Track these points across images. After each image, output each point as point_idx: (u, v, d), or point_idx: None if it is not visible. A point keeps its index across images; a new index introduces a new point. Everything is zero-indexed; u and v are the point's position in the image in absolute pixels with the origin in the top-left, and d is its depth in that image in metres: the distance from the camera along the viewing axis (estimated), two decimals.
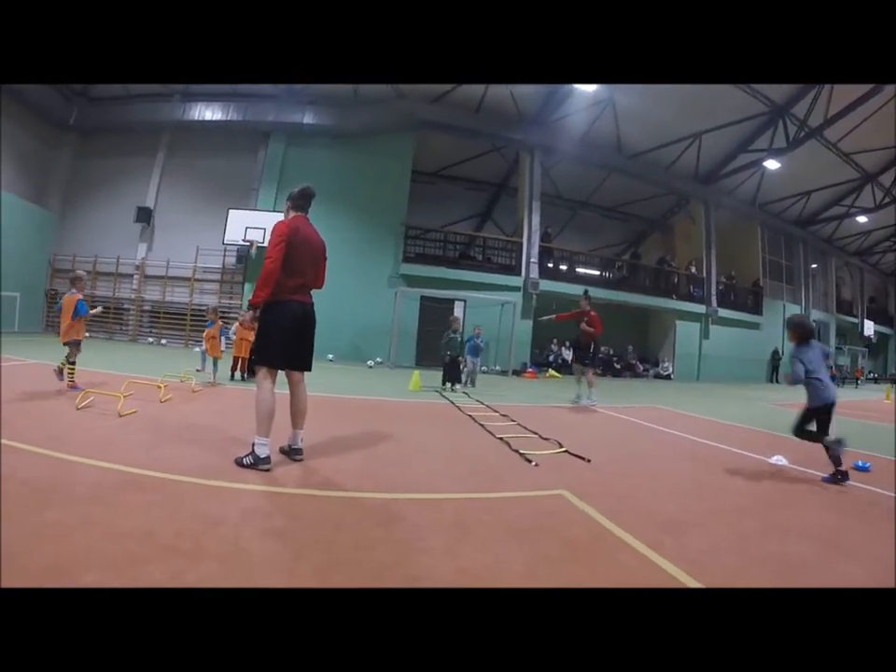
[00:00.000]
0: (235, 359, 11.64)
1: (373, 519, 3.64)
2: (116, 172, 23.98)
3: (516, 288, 22.97)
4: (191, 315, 22.28)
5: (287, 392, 5.14)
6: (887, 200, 28.47)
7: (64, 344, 8.40)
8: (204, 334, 11.17)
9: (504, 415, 8.89)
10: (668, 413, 11.28)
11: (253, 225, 20.60)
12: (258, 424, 4.76)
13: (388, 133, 22.67)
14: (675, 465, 6.32)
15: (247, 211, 21.69)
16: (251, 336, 10.80)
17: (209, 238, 22.24)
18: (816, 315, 34.29)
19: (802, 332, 6.17)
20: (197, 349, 11.25)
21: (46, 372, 8.82)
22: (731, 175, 26.45)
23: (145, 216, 23.12)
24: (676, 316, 26.98)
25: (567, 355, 24.10)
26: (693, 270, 28.28)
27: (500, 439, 6.84)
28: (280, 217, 5.31)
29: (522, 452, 6.05)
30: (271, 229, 5.04)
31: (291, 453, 5.13)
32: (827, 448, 5.80)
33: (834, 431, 6.00)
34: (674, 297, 27.30)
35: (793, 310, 32.31)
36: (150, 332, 23.19)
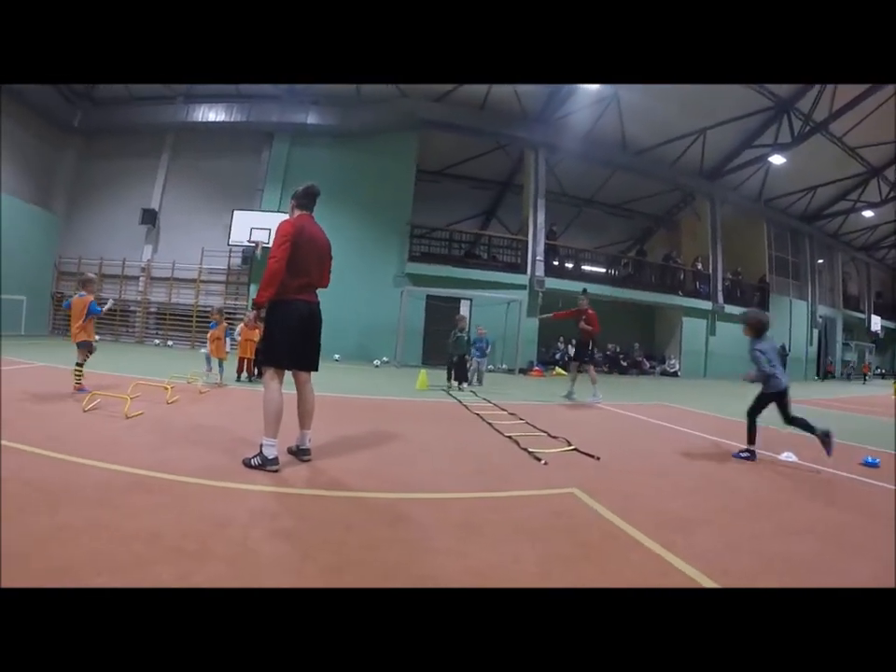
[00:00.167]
0: (241, 360, 11.58)
1: (382, 519, 3.62)
2: (120, 174, 24.05)
3: (522, 286, 22.93)
4: (197, 317, 22.31)
5: (295, 392, 5.12)
6: (893, 194, 28.35)
7: (77, 345, 8.39)
8: (208, 335, 11.12)
9: (512, 414, 8.86)
10: (676, 411, 11.25)
11: (258, 226, 20.63)
12: (265, 425, 4.74)
13: (392, 132, 22.66)
14: (684, 462, 6.28)
15: (252, 212, 21.73)
16: (255, 336, 10.79)
17: (214, 239, 22.30)
18: (823, 310, 34.29)
19: (758, 327, 6.72)
20: (203, 350, 11.19)
21: (53, 375, 8.83)
22: (736, 170, 26.35)
23: (150, 217, 23.19)
24: (682, 313, 26.93)
25: (572, 352, 24.09)
26: (700, 266, 28.21)
27: (509, 437, 6.81)
28: (285, 217, 5.29)
29: (531, 450, 6.03)
30: (275, 228, 5.01)
31: (299, 453, 5.10)
32: (807, 429, 6.33)
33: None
34: (680, 293, 27.23)
35: (800, 306, 32.40)
36: (156, 334, 23.23)
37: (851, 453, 7.08)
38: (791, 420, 6.40)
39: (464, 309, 20.88)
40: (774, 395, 6.48)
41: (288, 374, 5.07)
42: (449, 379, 13.19)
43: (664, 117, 22.67)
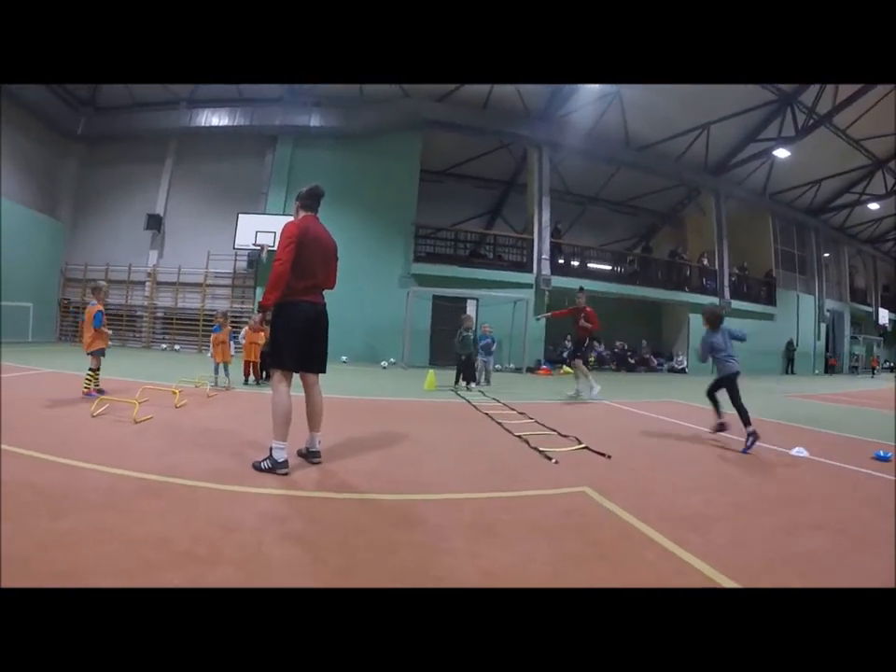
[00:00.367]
0: (246, 364, 11.53)
1: (394, 521, 3.61)
2: (125, 180, 24.11)
3: (528, 285, 22.88)
4: (204, 321, 22.29)
5: (303, 395, 5.11)
6: None
7: (90, 353, 8.49)
8: (212, 339, 11.09)
9: (521, 413, 8.85)
10: (685, 407, 11.21)
11: (263, 229, 20.62)
12: (274, 428, 4.74)
13: (395, 133, 22.65)
14: (694, 459, 6.27)
15: (257, 215, 21.74)
16: (260, 339, 10.78)
17: (219, 243, 22.30)
18: (830, 304, 34.14)
19: (713, 320, 7.77)
20: (209, 354, 11.20)
21: (61, 381, 8.85)
22: (740, 165, 26.27)
23: (155, 223, 23.23)
24: (689, 309, 26.75)
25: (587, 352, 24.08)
26: (706, 262, 28.13)
27: (519, 437, 6.80)
28: (290, 219, 5.27)
29: (541, 449, 6.01)
30: (280, 230, 5.00)
31: (309, 455, 5.10)
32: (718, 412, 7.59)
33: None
34: (686, 290, 27.13)
35: (807, 300, 32.30)
36: (164, 338, 23.25)
37: (863, 447, 7.05)
38: (712, 396, 7.73)
39: (470, 309, 20.84)
40: (725, 378, 7.60)
41: (296, 377, 5.07)
42: (457, 380, 13.14)
43: (667, 112, 22.62)
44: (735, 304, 27.63)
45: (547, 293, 22.83)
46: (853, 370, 35.30)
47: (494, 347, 15.76)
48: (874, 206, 30.70)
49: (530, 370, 20.92)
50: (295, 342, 4.88)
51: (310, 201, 5.22)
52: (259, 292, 21.03)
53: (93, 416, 6.56)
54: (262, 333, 10.75)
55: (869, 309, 38.86)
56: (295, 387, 4.93)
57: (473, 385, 13.18)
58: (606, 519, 3.86)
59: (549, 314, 14.85)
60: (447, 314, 20.90)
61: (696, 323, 25.80)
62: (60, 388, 8.74)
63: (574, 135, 23.83)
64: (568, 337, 24.58)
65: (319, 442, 5.13)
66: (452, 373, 13.53)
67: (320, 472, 4.82)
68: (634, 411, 10.10)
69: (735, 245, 28.74)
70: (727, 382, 7.59)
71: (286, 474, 4.59)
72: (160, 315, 23.74)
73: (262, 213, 22.03)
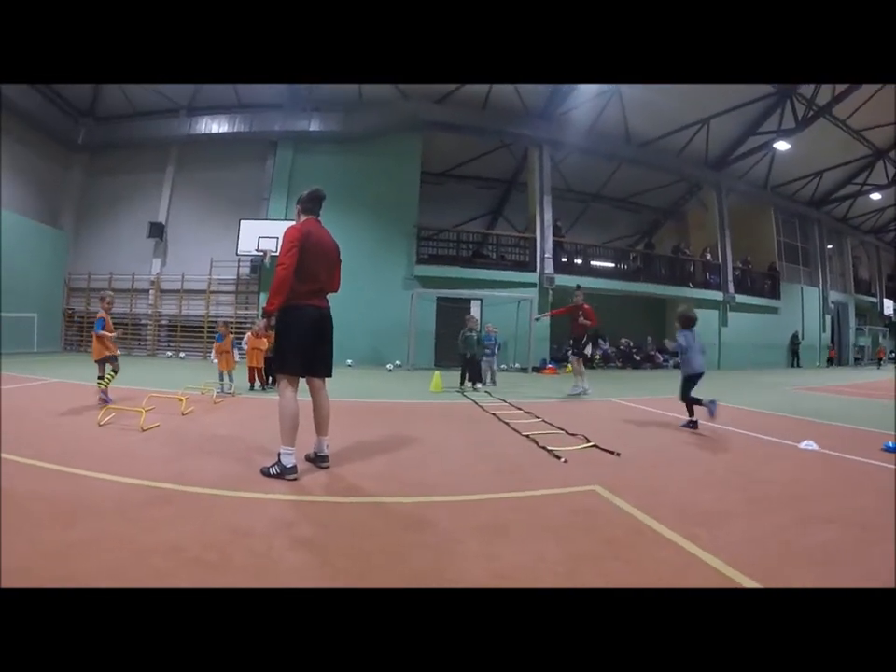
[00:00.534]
0: (251, 370, 11.50)
1: (405, 524, 3.61)
2: (126, 189, 24.15)
3: (532, 285, 22.83)
4: (208, 328, 22.29)
5: (310, 399, 5.10)
6: None
7: (96, 362, 8.58)
8: (215, 348, 11.06)
9: (528, 413, 8.85)
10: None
11: (265, 234, 20.63)
12: (282, 433, 4.73)
13: (395, 135, 22.63)
14: (703, 455, 6.25)
15: (259, 221, 21.76)
16: (262, 345, 10.78)
17: (222, 250, 22.31)
18: (834, 296, 34.07)
19: (685, 321, 8.62)
20: (215, 361, 11.20)
21: (67, 391, 8.86)
22: (741, 158, 26.26)
23: (157, 231, 23.26)
24: (693, 305, 26.59)
25: (587, 349, 24.05)
26: (709, 257, 28.04)
27: (527, 436, 6.79)
28: (292, 224, 5.25)
29: (550, 448, 6.00)
30: (282, 235, 4.99)
31: (317, 460, 5.09)
32: (701, 404, 7.98)
33: None
34: (690, 285, 27.09)
35: (811, 292, 32.21)
36: (168, 346, 23.27)
37: (871, 439, 7.03)
38: (690, 398, 8.24)
39: (475, 309, 20.82)
40: (691, 377, 8.40)
41: (303, 381, 5.06)
42: (463, 381, 13.12)
43: (666, 108, 22.55)
44: (740, 298, 27.63)
45: (551, 292, 22.79)
46: (857, 361, 35.14)
47: (498, 348, 15.76)
48: (875, 196, 30.62)
49: (536, 369, 20.85)
50: (300, 346, 4.88)
51: (311, 204, 5.21)
52: (263, 298, 21.03)
53: (100, 425, 6.57)
54: (265, 339, 10.75)
55: (873, 300, 38.82)
56: (301, 392, 4.92)
57: (479, 385, 13.17)
58: (617, 517, 3.85)
59: (546, 314, 15.37)
60: (451, 315, 20.84)
61: (701, 319, 25.41)
62: (66, 398, 8.76)
63: (574, 133, 23.80)
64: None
65: (327, 447, 5.13)
66: (457, 375, 13.53)
67: (329, 477, 4.81)
68: (640, 407, 10.08)
69: (738, 238, 28.70)
70: (693, 380, 8.36)
71: (295, 479, 4.58)
72: (164, 322, 23.78)
73: (264, 218, 22.04)
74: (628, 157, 26.11)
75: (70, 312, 23.89)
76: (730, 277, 27.86)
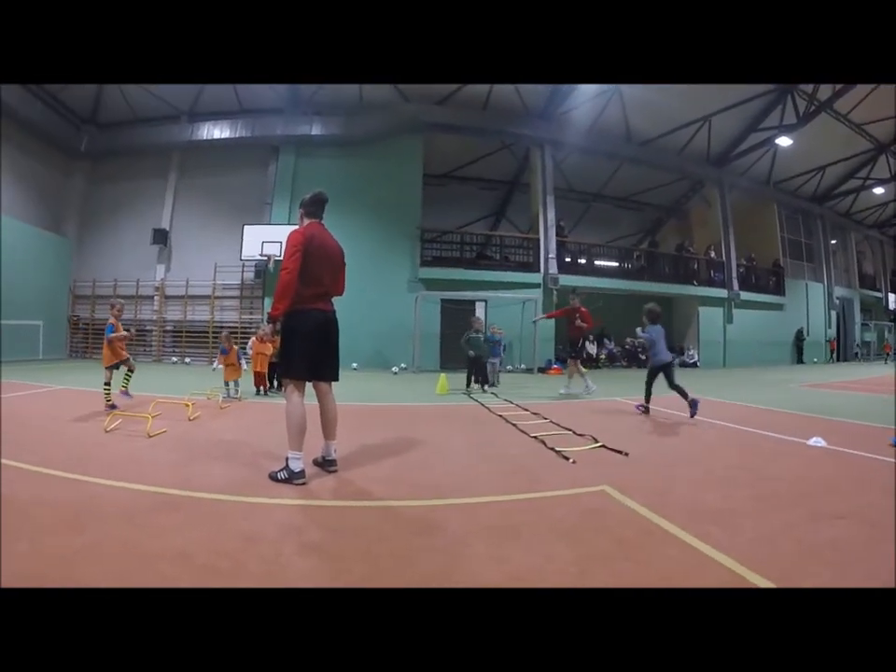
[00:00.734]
0: (256, 375, 11.49)
1: (415, 527, 3.60)
2: (129, 195, 24.22)
3: (536, 285, 22.82)
4: (213, 333, 22.30)
5: (317, 404, 5.09)
6: None
7: (107, 368, 8.69)
8: (220, 359, 11.02)
9: (535, 413, 8.83)
10: (699, 402, 11.17)
11: (269, 239, 20.65)
12: (289, 438, 4.72)
13: (397, 138, 22.65)
14: (711, 453, 6.24)
15: (262, 226, 21.80)
16: (267, 350, 10.77)
17: (226, 255, 22.36)
18: (839, 291, 33.97)
19: (651, 317, 9.52)
20: (219, 367, 11.18)
21: (73, 398, 8.88)
22: (743, 155, 26.20)
23: (161, 237, 23.31)
24: (698, 303, 26.72)
25: (592, 349, 24.09)
26: (713, 254, 28.00)
27: (535, 437, 6.78)
28: (295, 228, 5.24)
29: (558, 449, 5.99)
30: (286, 239, 4.98)
31: (325, 464, 5.08)
32: (682, 395, 8.95)
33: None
34: (695, 283, 27.01)
35: (816, 288, 32.17)
36: (174, 351, 23.31)
37: (879, 435, 7.01)
38: (672, 386, 9.13)
39: (479, 311, 20.80)
40: (658, 367, 9.29)
41: (309, 386, 5.05)
42: (469, 383, 13.10)
43: (667, 106, 22.50)
44: (744, 295, 27.59)
45: (555, 292, 22.75)
46: (855, 356, 34.97)
47: (503, 349, 15.77)
48: (878, 191, 30.58)
49: (541, 370, 20.84)
50: (306, 350, 4.86)
51: (314, 207, 5.19)
52: (268, 302, 21.03)
53: (107, 431, 6.58)
54: (270, 345, 10.74)
55: (879, 294, 38.74)
56: (308, 396, 4.92)
57: (487, 387, 13.15)
58: (627, 517, 3.84)
59: (543, 315, 15.66)
60: (456, 317, 20.87)
61: (706, 316, 25.90)
62: (72, 405, 8.77)
63: (575, 133, 23.78)
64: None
65: (335, 451, 5.11)
66: (463, 377, 13.51)
67: (337, 481, 4.81)
68: (649, 407, 10.06)
69: (742, 235, 28.65)
70: (661, 370, 9.24)
71: (303, 484, 4.58)
72: (169, 328, 23.83)
73: (267, 223, 22.09)
74: (630, 156, 26.09)
75: (75, 319, 23.97)
76: (734, 274, 27.76)
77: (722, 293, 27.23)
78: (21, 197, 21.87)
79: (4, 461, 4.85)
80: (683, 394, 8.93)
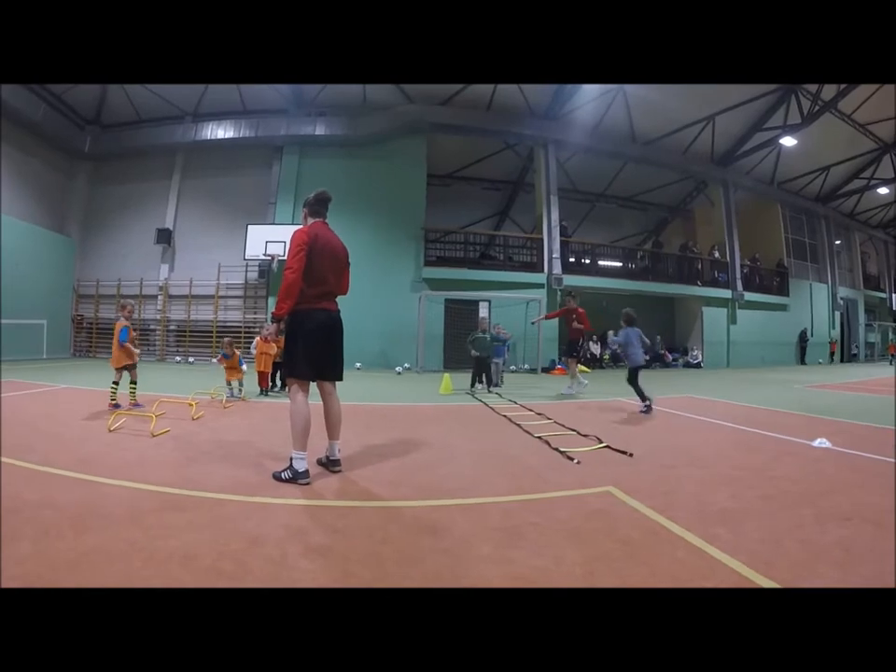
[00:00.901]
0: (260, 374, 11.46)
1: (419, 528, 3.58)
2: (133, 195, 24.27)
3: (540, 285, 22.77)
4: (217, 332, 22.33)
5: (321, 403, 5.08)
6: None
7: (117, 369, 8.65)
8: (223, 362, 11.00)
9: (539, 414, 8.82)
10: (703, 402, 11.18)
11: (273, 239, 20.72)
12: (293, 438, 4.71)
13: (400, 138, 22.68)
14: (717, 453, 6.20)
15: (266, 225, 21.84)
16: (271, 350, 10.74)
17: (230, 255, 22.40)
18: (843, 292, 33.88)
19: (627, 320, 10.33)
20: (216, 362, 11.18)
21: (77, 397, 8.89)
22: (747, 154, 26.12)
23: (165, 237, 23.35)
24: (702, 303, 26.66)
25: (596, 349, 24.07)
26: (717, 254, 27.94)
27: (539, 438, 6.76)
28: (299, 227, 5.22)
29: (562, 450, 5.98)
30: (289, 239, 4.97)
31: (329, 464, 5.07)
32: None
33: None
34: (699, 283, 26.95)
35: (820, 289, 32.06)
36: (177, 351, 23.33)
37: (884, 436, 7.01)
38: (635, 387, 9.66)
39: (483, 311, 20.76)
40: (633, 368, 9.89)
41: (314, 386, 5.04)
42: (474, 383, 13.07)
43: (671, 106, 22.53)
44: (748, 296, 27.51)
45: (559, 292, 22.71)
46: (853, 357, 34.82)
47: (507, 349, 15.78)
48: (883, 191, 30.49)
49: (545, 370, 20.83)
50: (311, 350, 4.85)
51: (318, 206, 5.17)
52: (272, 302, 21.07)
53: (110, 431, 6.57)
54: (273, 345, 10.72)
55: (883, 295, 38.64)
56: (312, 396, 4.91)
57: (491, 387, 13.13)
58: (633, 518, 3.82)
59: (541, 317, 15.74)
60: (460, 317, 20.93)
61: (710, 316, 25.85)
62: (76, 404, 8.78)
63: (579, 133, 23.75)
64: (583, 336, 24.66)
65: (339, 451, 5.10)
66: (466, 377, 13.49)
67: (341, 481, 4.80)
68: (652, 407, 10.05)
69: (746, 235, 28.56)
70: (638, 369, 9.82)
71: (307, 484, 4.56)
72: (173, 328, 23.85)
73: (271, 223, 22.12)
74: (633, 155, 26.04)
75: (79, 318, 24.00)
76: (738, 275, 27.70)
77: (726, 293, 27.17)
78: (25, 197, 21.93)
79: (8, 460, 4.85)
80: (642, 396, 9.56)
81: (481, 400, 10.94)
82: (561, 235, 23.99)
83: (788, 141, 23.95)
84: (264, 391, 11.34)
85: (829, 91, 20.98)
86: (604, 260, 26.66)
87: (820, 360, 30.67)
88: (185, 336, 23.35)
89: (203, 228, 23.59)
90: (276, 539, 3.30)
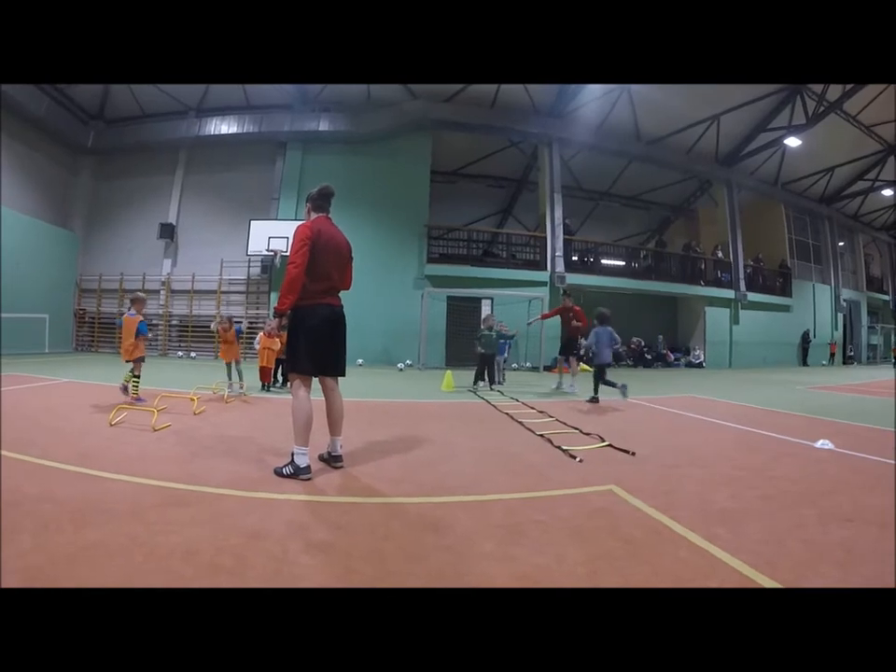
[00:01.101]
0: (262, 370, 11.44)
1: (421, 525, 3.57)
2: (136, 191, 24.31)
3: (543, 283, 22.77)
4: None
5: (323, 399, 5.07)
6: None
7: (127, 361, 8.78)
8: (220, 336, 11.01)
9: (542, 412, 8.80)
10: (705, 402, 11.16)
11: (275, 235, 20.76)
12: (295, 433, 4.69)
13: (404, 135, 22.68)
14: (718, 453, 6.18)
15: (269, 221, 21.87)
16: (274, 345, 10.72)
17: (233, 250, 22.47)
18: (846, 293, 33.85)
19: (601, 319, 10.74)
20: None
21: (78, 391, 8.88)
22: (752, 154, 26.10)
23: (168, 232, 23.37)
24: (705, 303, 26.65)
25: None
26: (720, 254, 27.92)
27: (541, 436, 6.75)
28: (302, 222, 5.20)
29: (565, 448, 5.96)
30: (292, 233, 4.95)
31: (331, 460, 5.06)
32: (615, 387, 10.25)
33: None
34: (702, 283, 26.93)
35: (823, 290, 32.06)
36: (179, 346, 23.39)
37: (886, 437, 6.99)
38: (604, 382, 10.48)
39: (486, 308, 20.78)
40: (599, 366, 10.69)
41: (316, 381, 5.03)
42: (477, 380, 12.99)
43: (676, 105, 22.50)
44: (751, 296, 27.50)
45: (562, 291, 22.64)
46: (850, 359, 34.70)
47: (508, 347, 15.80)
48: (887, 193, 30.52)
49: (547, 368, 20.79)
50: (313, 345, 4.83)
51: (321, 201, 5.15)
52: (274, 297, 21.06)
53: (111, 425, 6.56)
54: (278, 339, 10.71)
55: (886, 297, 38.61)
56: (315, 392, 4.90)
57: (493, 385, 13.09)
58: (635, 517, 3.81)
59: (538, 317, 15.92)
60: (462, 314, 20.95)
61: (713, 316, 25.85)
62: (77, 398, 8.78)
63: (584, 131, 23.76)
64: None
65: (341, 446, 5.09)
66: (468, 374, 13.47)
67: (343, 477, 4.78)
68: (654, 406, 10.04)
69: (749, 235, 28.58)
70: (604, 367, 10.62)
71: (308, 479, 4.55)
72: (175, 323, 23.87)
73: (274, 219, 22.14)
74: (638, 154, 26.01)
75: (81, 312, 24.02)
76: (741, 275, 27.68)
77: (729, 294, 27.16)
78: (29, 192, 21.97)
79: (9, 454, 4.85)
80: (610, 383, 10.37)
81: (483, 398, 10.92)
82: (564, 233, 23.98)
83: (792, 141, 23.95)
84: (266, 386, 11.31)
85: (834, 91, 20.95)
86: (607, 259, 26.61)
87: (824, 362, 30.65)
88: (187, 331, 23.37)
89: (206, 223, 23.61)
90: (278, 534, 3.28)
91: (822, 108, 21.72)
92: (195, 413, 7.59)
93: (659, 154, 25.89)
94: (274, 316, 5.02)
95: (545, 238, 23.72)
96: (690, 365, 25.91)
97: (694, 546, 3.25)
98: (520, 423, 7.74)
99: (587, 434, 6.88)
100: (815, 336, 30.28)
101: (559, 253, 23.28)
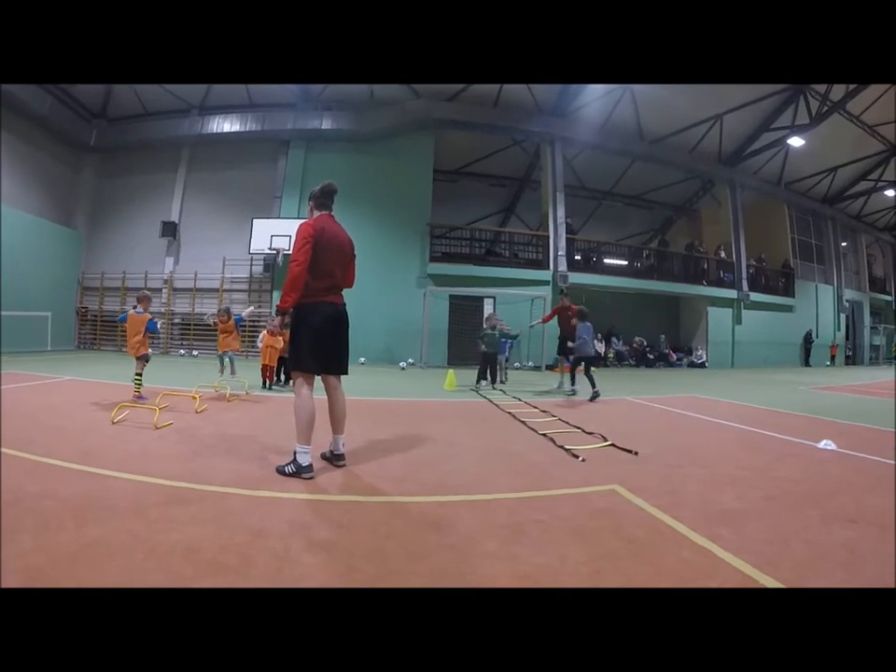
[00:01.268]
0: (264, 368, 11.45)
1: (424, 524, 3.57)
2: (139, 189, 24.30)
3: (545, 283, 22.71)
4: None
5: (325, 397, 5.06)
6: None
7: (136, 358, 8.81)
8: (219, 328, 11.05)
9: (544, 411, 8.81)
10: (707, 402, 11.15)
11: (278, 233, 20.76)
12: (298, 431, 4.69)
13: (407, 134, 22.63)
14: (721, 453, 6.18)
15: (271, 219, 21.87)
16: (278, 344, 10.73)
17: (235, 248, 22.47)
18: (849, 294, 33.80)
19: (581, 317, 11.46)
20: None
21: (81, 388, 8.89)
22: (755, 154, 26.03)
23: (170, 230, 23.35)
24: (707, 303, 26.59)
25: (601, 347, 24.04)
26: (723, 254, 27.84)
27: (544, 435, 6.74)
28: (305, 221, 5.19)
29: (567, 447, 5.96)
30: (295, 231, 4.93)
31: (333, 459, 5.06)
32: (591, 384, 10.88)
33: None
34: (704, 283, 26.82)
35: (826, 290, 32.00)
36: (181, 344, 23.40)
37: (889, 438, 6.98)
38: (588, 375, 11.21)
39: (488, 307, 20.79)
40: (582, 357, 11.47)
41: (318, 380, 5.02)
42: (479, 379, 13.00)
43: (679, 104, 22.42)
44: (754, 296, 27.43)
45: (560, 290, 22.63)
46: (847, 359, 34.63)
47: (509, 346, 15.80)
48: (890, 193, 30.42)
49: (549, 367, 20.77)
50: (316, 343, 4.82)
51: (324, 199, 5.14)
52: (276, 296, 21.03)
53: (113, 423, 6.56)
54: (280, 337, 10.70)
55: (888, 298, 38.53)
56: (317, 390, 4.89)
57: (495, 384, 13.08)
58: (638, 517, 3.81)
59: (540, 320, 15.82)
60: (464, 313, 20.94)
61: (715, 316, 25.80)
62: (79, 395, 8.78)
63: (587, 130, 23.69)
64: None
65: (343, 445, 5.09)
66: (470, 373, 13.47)
67: (345, 475, 4.79)
68: (657, 406, 10.03)
69: (752, 235, 28.52)
70: (584, 360, 11.45)
71: (311, 478, 4.55)
72: (177, 321, 23.86)
73: (277, 217, 22.13)
74: (641, 153, 25.92)
75: (83, 310, 24.03)
76: (744, 275, 27.61)
77: (732, 293, 27.08)
78: (32, 190, 21.98)
79: (10, 451, 4.85)
80: (592, 383, 10.91)
81: (485, 397, 10.93)
82: (567, 233, 23.95)
83: (795, 141, 23.89)
84: (268, 384, 11.32)
85: (838, 91, 20.88)
86: (610, 258, 26.49)
87: (827, 363, 30.62)
88: (189, 329, 23.37)
89: (209, 221, 23.59)
90: (280, 533, 3.29)
91: (825, 108, 21.65)
92: (197, 412, 7.60)
93: (662, 153, 25.81)
94: (277, 314, 5.01)
95: (548, 237, 23.66)
96: (692, 365, 25.87)
97: (697, 546, 3.26)
98: (522, 422, 7.75)
99: (590, 433, 6.88)
100: (817, 336, 30.23)
101: (562, 252, 23.23)
